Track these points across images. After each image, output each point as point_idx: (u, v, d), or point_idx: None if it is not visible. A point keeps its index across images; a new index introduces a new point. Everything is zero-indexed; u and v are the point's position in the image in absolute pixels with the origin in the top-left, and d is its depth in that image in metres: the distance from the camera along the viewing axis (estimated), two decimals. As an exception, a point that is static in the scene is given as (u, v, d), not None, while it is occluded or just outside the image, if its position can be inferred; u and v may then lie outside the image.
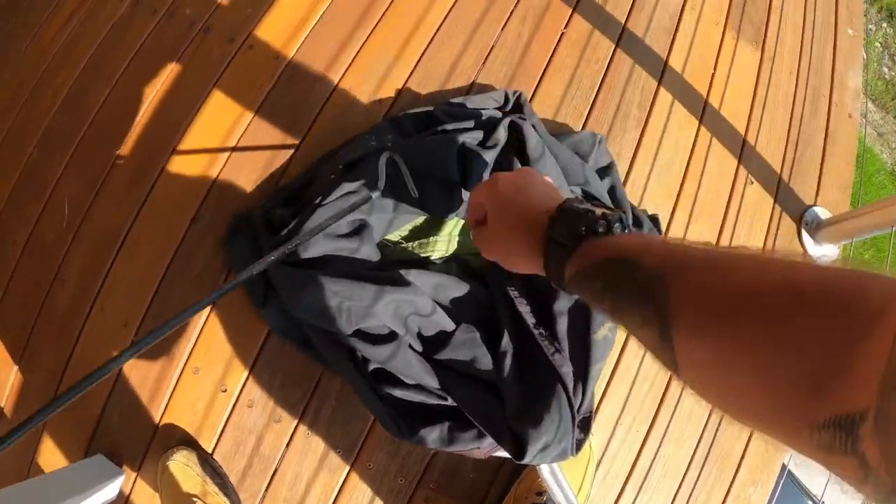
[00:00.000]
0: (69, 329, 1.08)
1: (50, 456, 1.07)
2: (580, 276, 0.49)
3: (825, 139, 1.45)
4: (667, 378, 1.15)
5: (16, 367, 1.11)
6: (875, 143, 3.59)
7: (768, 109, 1.38)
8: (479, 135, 0.93)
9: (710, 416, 1.17)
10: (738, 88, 1.36)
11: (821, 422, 0.29)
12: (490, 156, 0.90)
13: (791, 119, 1.41)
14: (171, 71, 1.21)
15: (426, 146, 0.93)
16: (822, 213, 1.37)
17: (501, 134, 0.91)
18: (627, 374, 1.13)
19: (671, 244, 0.44)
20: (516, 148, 0.94)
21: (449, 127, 0.94)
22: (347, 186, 0.91)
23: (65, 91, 1.24)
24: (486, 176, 0.91)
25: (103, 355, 1.03)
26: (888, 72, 4.09)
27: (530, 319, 0.90)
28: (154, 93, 1.19)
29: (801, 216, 1.35)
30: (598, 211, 0.51)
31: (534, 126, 0.98)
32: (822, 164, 1.42)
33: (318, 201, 0.91)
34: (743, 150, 1.32)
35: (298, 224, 0.90)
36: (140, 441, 1.02)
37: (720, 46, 1.39)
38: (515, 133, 0.94)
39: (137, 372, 1.03)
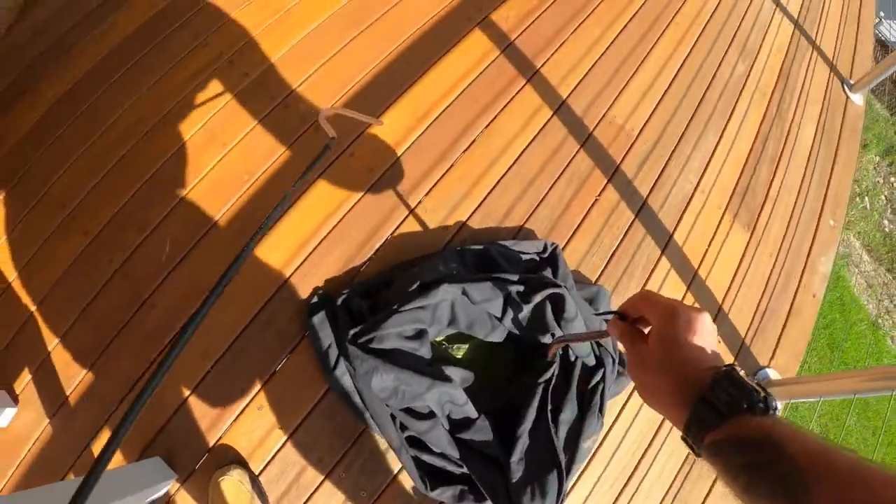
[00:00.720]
0: (150, 348, 1.37)
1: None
2: (721, 445, 0.49)
3: (789, 313, 1.79)
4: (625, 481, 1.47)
5: (90, 365, 1.38)
6: (863, 294, 3.85)
7: (746, 284, 1.73)
8: (521, 288, 1.28)
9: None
10: (724, 264, 1.71)
11: None
12: (527, 308, 1.25)
13: (763, 293, 1.75)
14: (281, 154, 1.56)
15: (482, 286, 1.27)
16: (773, 374, 1.70)
17: (538, 298, 1.26)
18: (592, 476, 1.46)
19: (818, 442, 0.44)
20: (552, 308, 1.28)
21: (502, 276, 1.29)
22: (419, 302, 1.25)
23: (180, 143, 1.58)
24: (516, 315, 1.26)
25: (178, 378, 1.35)
26: (888, 224, 4.32)
27: (551, 418, 1.25)
28: (262, 171, 1.54)
29: (754, 374, 1.68)
30: (760, 391, 0.51)
31: (565, 284, 1.33)
32: (781, 334, 1.76)
33: (395, 307, 1.25)
34: (717, 315, 1.66)
35: (378, 321, 1.24)
36: (196, 453, 1.30)
37: (717, 227, 1.74)
38: (556, 301, 1.28)
39: (208, 396, 1.33)
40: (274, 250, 1.44)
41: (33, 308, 1.44)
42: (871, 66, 2.72)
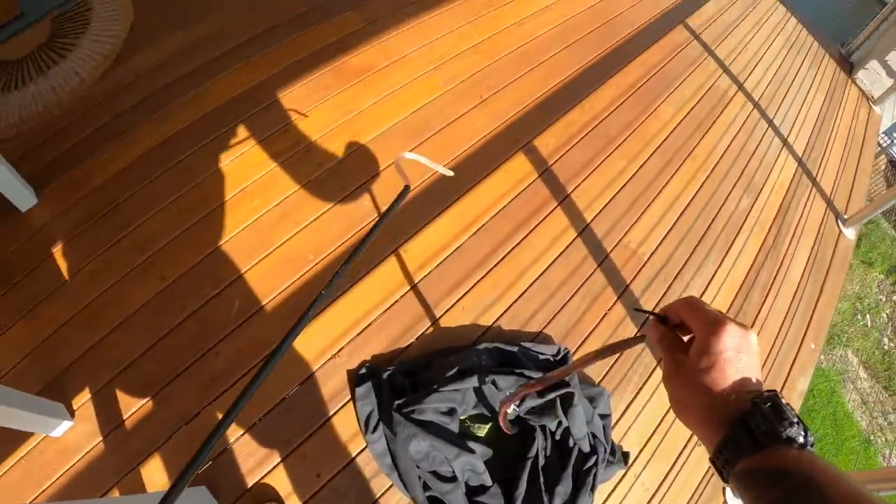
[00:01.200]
0: (210, 391, 1.60)
1: (154, 472, 1.46)
2: (754, 474, 0.48)
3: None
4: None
5: (151, 395, 1.56)
6: (857, 410, 4.03)
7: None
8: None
9: None
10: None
11: None
12: (541, 401, 1.56)
13: (744, 407, 2.02)
14: (345, 241, 1.88)
15: (507, 378, 1.59)
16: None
17: (551, 395, 1.56)
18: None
19: (856, 489, 0.43)
20: (561, 402, 1.58)
21: (524, 372, 1.60)
22: (454, 385, 1.55)
23: (256, 216, 1.90)
24: (531, 405, 1.56)
25: (232, 428, 1.58)
26: (888, 343, 4.50)
27: (546, 488, 1.54)
28: (327, 253, 1.86)
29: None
30: (801, 422, 0.50)
31: (572, 382, 1.63)
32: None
33: (435, 387, 1.55)
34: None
35: (420, 396, 1.54)
36: (238, 488, 1.51)
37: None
38: (566, 397, 1.59)
39: (257, 440, 1.57)
40: (331, 324, 1.74)
41: (102, 335, 1.64)
42: (865, 203, 3.04)
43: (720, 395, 0.53)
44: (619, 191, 2.24)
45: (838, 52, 4.13)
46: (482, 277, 1.89)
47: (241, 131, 2.10)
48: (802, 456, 0.47)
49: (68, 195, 1.88)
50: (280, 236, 1.88)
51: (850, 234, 2.80)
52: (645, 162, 2.37)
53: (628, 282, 2.03)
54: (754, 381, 0.54)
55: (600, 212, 2.16)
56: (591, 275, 1.99)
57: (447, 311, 1.81)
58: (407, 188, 1.20)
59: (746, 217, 2.44)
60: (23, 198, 1.83)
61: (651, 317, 0.63)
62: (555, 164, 2.24)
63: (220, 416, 1.52)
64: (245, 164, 2.01)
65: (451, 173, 1.58)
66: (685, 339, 0.60)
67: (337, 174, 2.03)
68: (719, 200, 2.42)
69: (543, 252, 1.99)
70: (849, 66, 4.03)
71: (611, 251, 2.07)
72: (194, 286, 1.74)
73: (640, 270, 2.07)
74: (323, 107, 2.24)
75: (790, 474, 0.46)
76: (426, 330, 1.78)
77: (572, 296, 1.93)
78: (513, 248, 1.97)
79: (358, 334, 1.74)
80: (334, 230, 1.91)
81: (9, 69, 2.28)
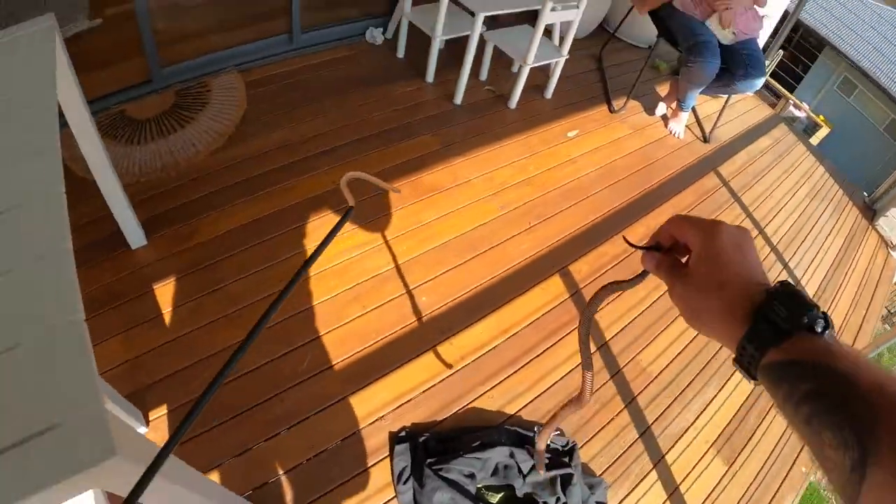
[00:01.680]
0: (269, 430, 1.88)
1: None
2: (781, 368, 0.48)
3: (749, 539, 2.34)
4: None
5: (217, 423, 1.84)
6: None
7: (716, 506, 2.32)
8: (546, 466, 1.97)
9: None
10: (700, 487, 2.31)
11: None
12: (545, 477, 1.94)
13: (728, 517, 2.33)
14: (403, 328, 2.33)
15: (522, 454, 1.98)
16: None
17: (553, 473, 1.95)
18: None
19: (885, 374, 0.42)
20: (560, 481, 1.96)
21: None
22: (477, 454, 1.95)
23: (330, 295, 2.36)
24: (537, 479, 1.94)
25: (284, 456, 1.90)
26: None
27: None
28: (388, 333, 2.30)
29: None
30: (819, 307, 0.49)
31: (575, 471, 2.01)
32: (739, 553, 2.31)
33: (461, 454, 1.95)
34: (686, 527, 2.25)
35: (448, 459, 1.94)
36: None
37: (701, 457, 2.37)
38: (566, 479, 1.97)
39: (303, 476, 1.85)
40: (382, 392, 2.13)
41: (186, 364, 1.97)
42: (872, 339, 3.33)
43: (732, 292, 0.53)
44: (637, 316, 2.66)
45: (863, 200, 4.49)
46: (511, 374, 2.31)
47: (322, 224, 2.63)
48: (825, 344, 0.47)
49: (173, 245, 2.38)
50: (350, 314, 2.33)
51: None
52: (664, 293, 2.78)
53: (636, 394, 2.40)
54: (760, 274, 0.54)
55: (619, 332, 2.57)
56: (604, 384, 2.39)
57: (479, 397, 2.22)
58: (350, 209, 1.27)
59: (751, 349, 2.80)
60: (135, 236, 2.26)
61: (645, 250, 0.65)
62: (584, 287, 2.68)
63: (276, 463, 1.89)
64: (325, 252, 2.51)
65: (398, 191, 1.81)
66: (683, 260, 0.62)
67: (401, 272, 2.52)
68: (727, 332, 2.79)
69: (565, 360, 2.40)
70: (871, 212, 4.38)
71: (623, 366, 2.47)
72: (272, 341, 2.14)
73: (647, 386, 2.44)
74: (396, 214, 2.77)
75: (817, 365, 0.45)
76: (459, 409, 2.17)
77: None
78: (540, 354, 2.39)
79: (402, 404, 2.13)
80: (394, 317, 2.36)
81: (135, 126, 2.86)
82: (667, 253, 0.63)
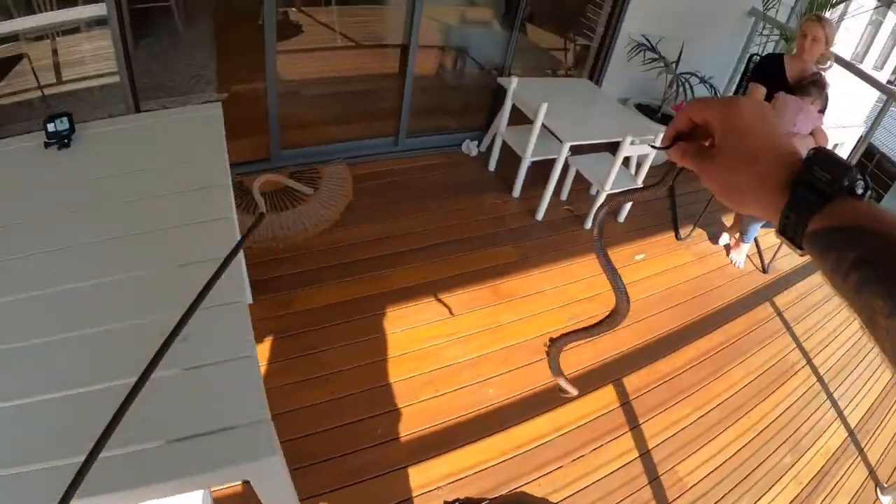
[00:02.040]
0: (345, 480, 2.27)
1: None
2: (826, 235, 0.47)
3: None
4: None
5: (298, 467, 2.21)
6: None
7: None
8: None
9: None
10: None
11: None
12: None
13: None
14: (465, 414, 2.76)
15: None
16: None
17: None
18: None
19: None
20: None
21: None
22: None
23: (408, 376, 2.83)
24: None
25: None
26: None
27: None
28: (452, 417, 2.73)
29: None
30: (857, 168, 0.47)
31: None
32: None
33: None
34: None
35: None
36: None
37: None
38: None
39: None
40: (443, 467, 2.49)
41: (274, 413, 2.49)
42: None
43: (766, 162, 0.52)
44: (679, 430, 3.01)
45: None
46: (559, 467, 2.70)
47: (408, 314, 3.15)
48: (868, 206, 0.46)
49: (273, 308, 2.93)
50: (424, 395, 2.79)
51: (887, 500, 3.23)
52: (707, 413, 3.13)
53: (670, 501, 2.74)
54: (788, 142, 0.53)
55: (660, 443, 2.92)
56: (641, 488, 2.74)
57: (527, 483, 2.61)
58: (262, 215, 1.34)
59: (786, 472, 3.07)
60: (244, 293, 2.74)
61: (669, 147, 0.62)
62: (635, 399, 3.08)
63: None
64: (409, 338, 3.03)
65: (311, 192, 2.11)
66: (706, 144, 0.60)
67: (474, 365, 3.00)
68: (765, 454, 3.08)
69: (611, 461, 2.78)
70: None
71: (662, 474, 2.81)
72: (352, 407, 2.56)
73: (681, 495, 2.78)
74: (475, 314, 3.29)
75: (863, 229, 0.44)
76: (508, 490, 2.58)
77: (624, 499, 2.68)
78: (588, 453, 2.78)
79: (458, 479, 2.50)
80: (462, 403, 2.81)
81: (249, 196, 3.42)
82: (689, 140, 0.61)
